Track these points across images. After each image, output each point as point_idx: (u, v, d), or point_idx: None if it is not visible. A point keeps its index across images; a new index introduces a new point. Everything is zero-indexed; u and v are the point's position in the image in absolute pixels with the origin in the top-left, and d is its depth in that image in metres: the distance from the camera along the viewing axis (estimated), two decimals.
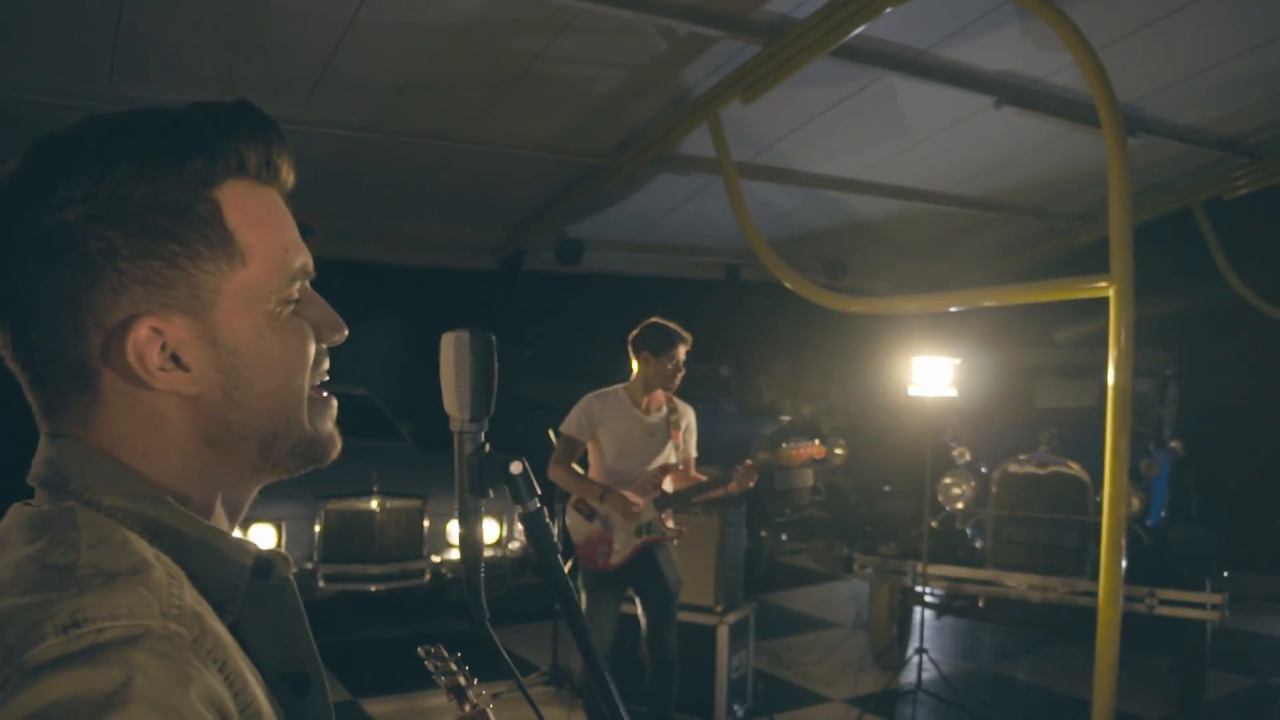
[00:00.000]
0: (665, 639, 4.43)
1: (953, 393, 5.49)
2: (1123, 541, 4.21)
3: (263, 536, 5.91)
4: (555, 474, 4.44)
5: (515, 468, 1.04)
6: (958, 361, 5.49)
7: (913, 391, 5.49)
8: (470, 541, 1.06)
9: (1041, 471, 5.82)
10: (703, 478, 4.57)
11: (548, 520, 1.08)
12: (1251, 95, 7.04)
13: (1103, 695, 4.21)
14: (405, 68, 5.87)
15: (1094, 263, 9.04)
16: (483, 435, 1.05)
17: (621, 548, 4.39)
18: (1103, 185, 8.88)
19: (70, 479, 0.78)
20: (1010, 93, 6.59)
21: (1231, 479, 9.01)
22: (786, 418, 9.45)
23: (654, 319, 4.52)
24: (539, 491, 1.08)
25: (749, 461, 4.40)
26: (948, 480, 6.03)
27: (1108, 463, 4.25)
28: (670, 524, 4.48)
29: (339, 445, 0.92)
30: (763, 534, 8.23)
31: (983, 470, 6.17)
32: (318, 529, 5.99)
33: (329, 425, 0.91)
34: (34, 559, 0.71)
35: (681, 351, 4.42)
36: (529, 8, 5.27)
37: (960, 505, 5.99)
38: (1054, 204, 9.41)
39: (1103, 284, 4.27)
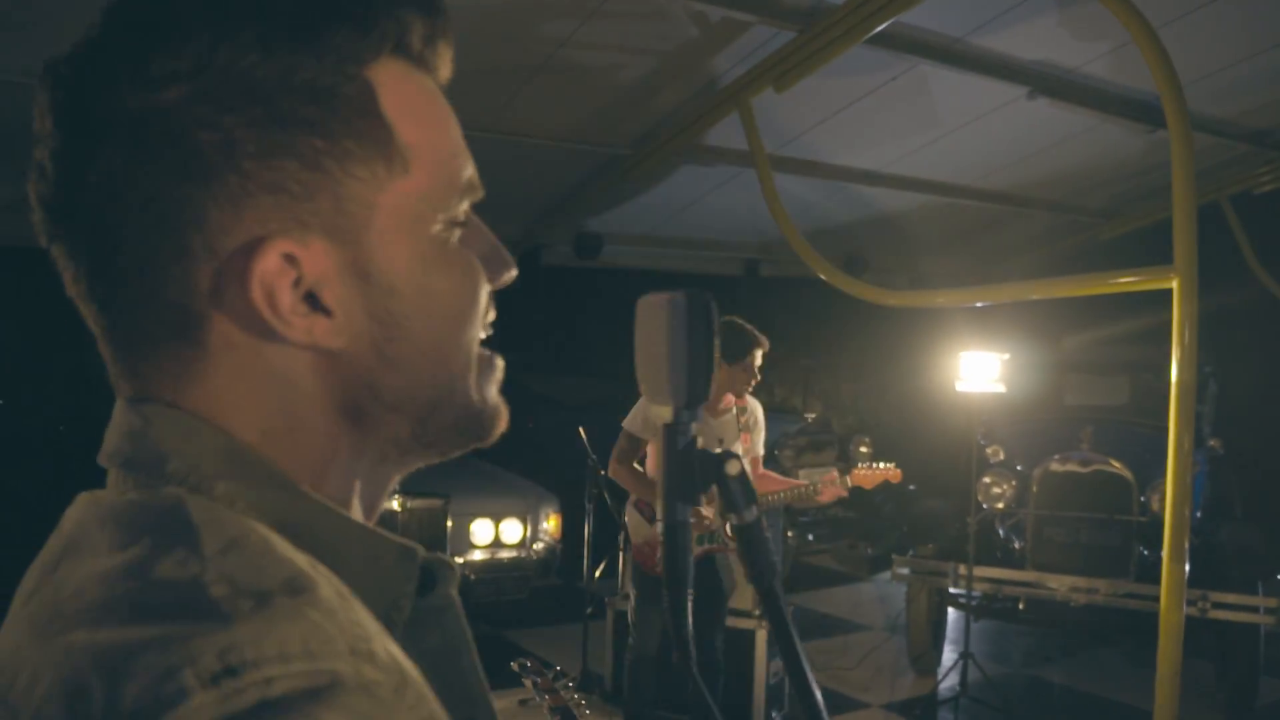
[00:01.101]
0: (712, 642, 4.28)
1: (1000, 388, 5.34)
2: (1186, 544, 4.06)
3: None
4: (617, 472, 4.26)
5: (732, 468, 0.85)
6: (1006, 356, 5.34)
7: (960, 387, 5.33)
8: (679, 562, 0.86)
9: (1084, 470, 5.68)
10: (773, 476, 4.41)
11: (766, 533, 0.90)
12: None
13: (1166, 702, 4.06)
14: None
15: (1115, 259, 8.98)
16: (694, 427, 0.86)
17: None
18: (1125, 180, 8.87)
19: (167, 458, 0.57)
20: (1044, 83, 6.44)
21: (1267, 478, 8.88)
22: (810, 415, 9.29)
23: (728, 318, 4.33)
24: (756, 498, 0.89)
25: (834, 474, 4.24)
26: (988, 479, 5.88)
27: (1170, 462, 4.09)
28: (731, 533, 4.33)
29: (506, 419, 0.70)
30: (789, 534, 8.06)
31: (1017, 468, 6.03)
32: None
33: (496, 392, 0.69)
34: (133, 571, 0.50)
35: (758, 356, 4.22)
36: None
37: (1001, 505, 5.85)
38: (1075, 199, 9.27)
39: (1166, 276, 4.10)
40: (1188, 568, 4.09)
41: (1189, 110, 7.38)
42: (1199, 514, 6.02)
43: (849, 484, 4.34)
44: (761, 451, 4.46)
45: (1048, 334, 7.33)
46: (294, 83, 0.56)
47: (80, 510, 0.59)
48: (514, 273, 0.70)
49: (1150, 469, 5.70)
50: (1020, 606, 5.65)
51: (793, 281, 10.34)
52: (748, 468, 4.35)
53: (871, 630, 6.88)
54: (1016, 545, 5.81)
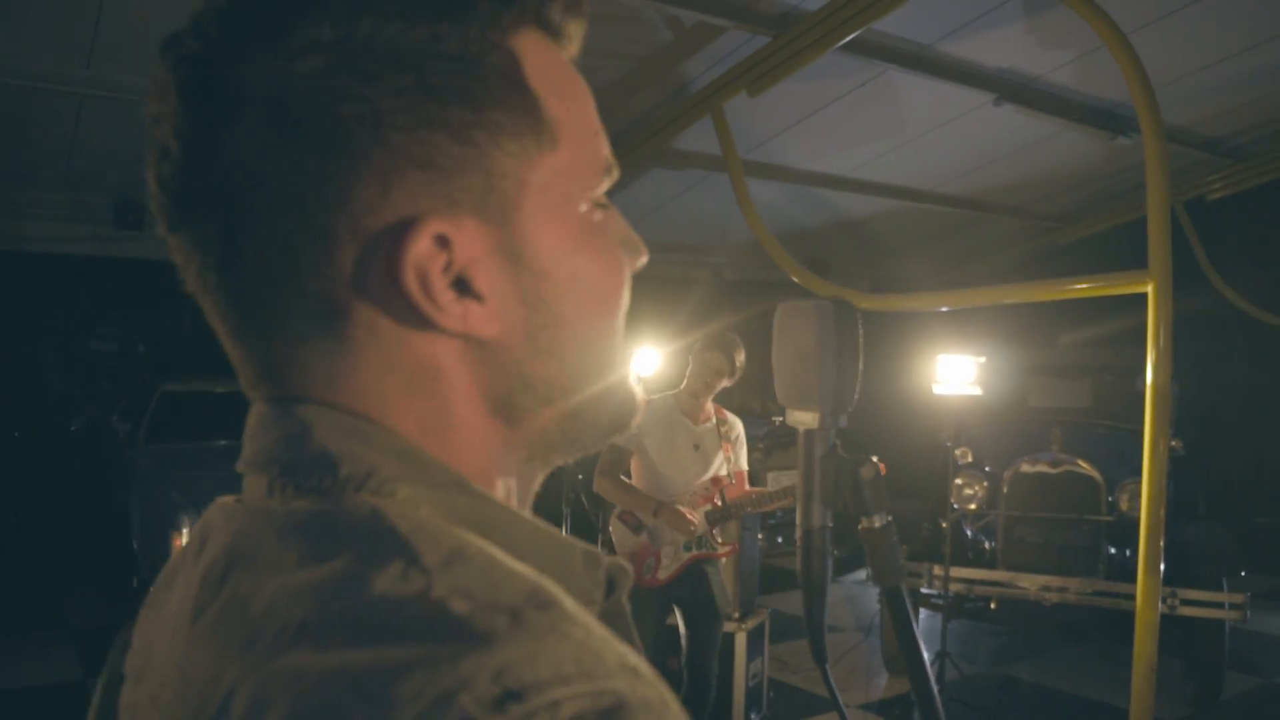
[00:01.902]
0: (707, 658, 4.27)
1: (977, 391, 5.41)
2: (1161, 543, 4.14)
3: None
4: (602, 486, 4.22)
5: (868, 472, 0.85)
6: (982, 359, 5.41)
7: (937, 390, 5.39)
8: (817, 567, 0.87)
9: (1054, 471, 5.77)
10: (760, 491, 4.42)
11: (896, 539, 0.90)
12: (1236, 98, 7.09)
13: (1141, 697, 4.13)
14: None
15: (1074, 263, 9.12)
16: (834, 434, 0.86)
17: (670, 562, 4.21)
18: (1086, 186, 9.02)
19: (338, 462, 0.52)
20: (1010, 90, 6.54)
21: (1227, 477, 9.08)
22: (779, 419, 9.33)
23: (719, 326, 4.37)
24: (887, 504, 0.90)
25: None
26: (959, 481, 5.95)
27: (1146, 463, 4.18)
28: (720, 539, 4.33)
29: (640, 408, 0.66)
30: (759, 537, 8.09)
31: (986, 470, 6.11)
32: None
33: (633, 381, 0.65)
34: (345, 587, 0.45)
35: (718, 358, 4.21)
36: None
37: (973, 506, 5.92)
38: (1037, 204, 9.42)
39: (1141, 281, 4.18)
40: (1163, 567, 4.18)
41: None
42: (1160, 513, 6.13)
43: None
44: (745, 466, 4.47)
45: (1014, 337, 7.43)
46: (439, 51, 0.52)
47: (235, 519, 0.54)
48: (646, 258, 0.65)
49: (1117, 469, 5.81)
50: (992, 606, 5.72)
51: (755, 285, 10.40)
52: (735, 478, 4.37)
53: (844, 632, 6.92)
54: (988, 546, 5.89)
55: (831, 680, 0.89)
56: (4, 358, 10.88)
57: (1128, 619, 4.75)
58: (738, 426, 4.46)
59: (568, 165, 0.57)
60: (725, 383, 4.27)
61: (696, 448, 4.29)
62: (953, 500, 5.87)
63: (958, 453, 6.16)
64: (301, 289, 0.53)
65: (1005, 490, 5.85)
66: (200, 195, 0.53)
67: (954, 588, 5.59)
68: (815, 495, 0.85)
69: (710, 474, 4.30)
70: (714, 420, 4.36)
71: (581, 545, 0.57)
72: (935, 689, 0.94)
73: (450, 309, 0.53)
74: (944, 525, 5.50)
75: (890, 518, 0.89)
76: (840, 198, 8.58)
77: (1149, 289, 4.15)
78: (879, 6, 4.95)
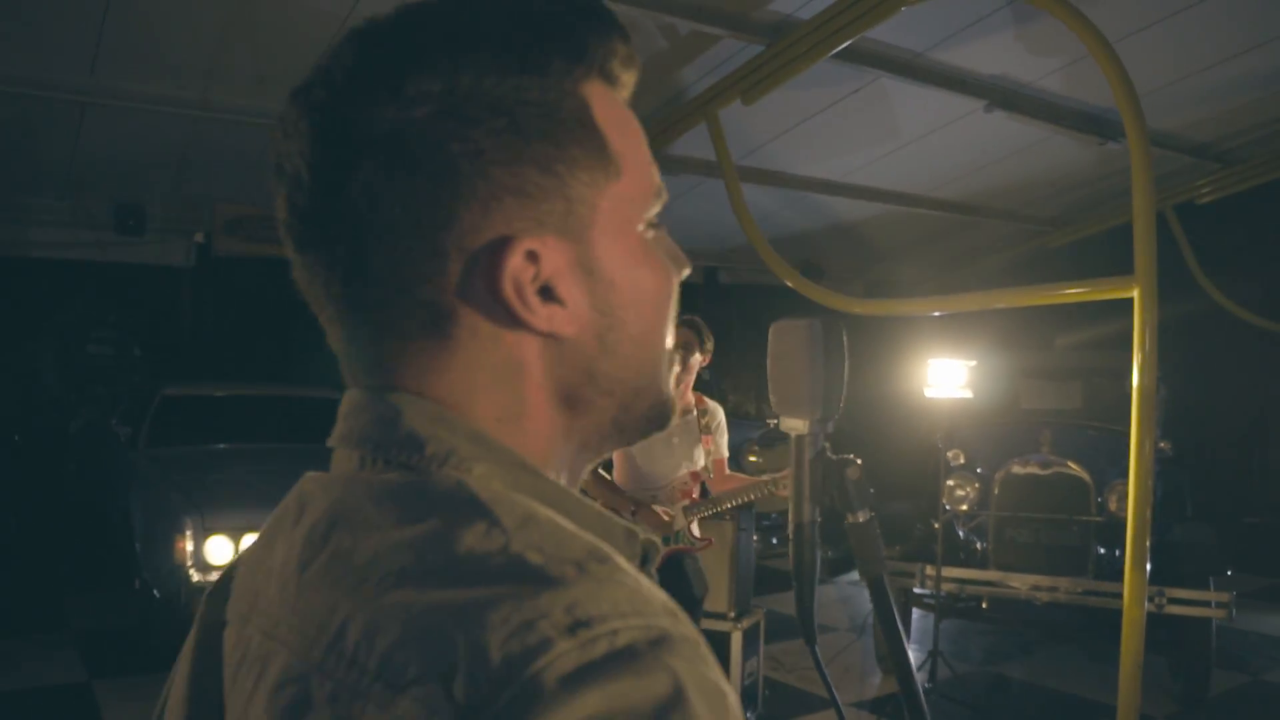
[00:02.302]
0: None
1: (968, 394, 5.50)
2: (1147, 543, 4.24)
3: None
4: (585, 481, 4.31)
5: (853, 473, 0.95)
6: (973, 363, 5.50)
7: (928, 393, 5.48)
8: (807, 557, 0.96)
9: (1044, 473, 5.86)
10: (739, 476, 4.50)
11: (878, 532, 0.99)
12: (1223, 103, 7.20)
13: (1128, 693, 4.22)
14: None
15: (1065, 266, 9.22)
16: (823, 438, 0.95)
17: None
18: (1076, 190, 9.11)
19: (424, 442, 0.63)
20: (1000, 96, 6.64)
21: (1214, 477, 9.18)
22: (773, 421, 9.41)
23: (688, 316, 4.40)
24: (871, 501, 0.99)
25: (788, 472, 4.34)
26: (952, 483, 6.04)
27: (1132, 464, 4.27)
28: (698, 533, 4.40)
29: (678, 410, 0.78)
30: (754, 538, 8.18)
31: (978, 471, 6.20)
32: None
33: (672, 384, 0.76)
34: (438, 541, 0.56)
35: (686, 333, 4.28)
36: None
37: (964, 507, 6.01)
38: (1027, 208, 9.53)
39: (1127, 286, 4.27)
40: (1152, 566, 4.27)
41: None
42: (1151, 514, 6.23)
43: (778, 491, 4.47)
44: (726, 454, 4.57)
45: (1006, 340, 7.53)
46: (525, 99, 0.63)
47: (333, 488, 0.64)
48: (689, 269, 0.75)
49: (1105, 471, 5.90)
50: (983, 605, 5.81)
51: (750, 288, 10.49)
52: (713, 468, 4.46)
53: (838, 631, 7.01)
54: (979, 546, 5.97)
55: (820, 660, 0.98)
56: (4, 362, 10.93)
57: (1117, 618, 4.83)
58: (719, 415, 4.54)
59: (629, 192, 0.68)
60: (698, 358, 4.34)
61: (677, 439, 4.37)
62: (944, 501, 5.96)
63: (949, 454, 6.25)
64: (415, 297, 0.64)
65: (996, 491, 5.94)
66: (330, 219, 0.64)
67: (946, 587, 5.67)
68: (805, 493, 0.94)
69: (689, 468, 4.39)
70: (694, 411, 4.43)
71: (622, 522, 0.67)
72: (915, 671, 1.02)
73: (539, 312, 0.64)
74: (936, 526, 5.59)
75: (873, 513, 0.98)
76: (834, 202, 8.67)
77: (1134, 294, 4.24)
78: (871, 16, 5.04)
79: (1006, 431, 6.47)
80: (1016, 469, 5.93)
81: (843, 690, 5.83)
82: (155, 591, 5.84)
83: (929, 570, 5.60)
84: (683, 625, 0.54)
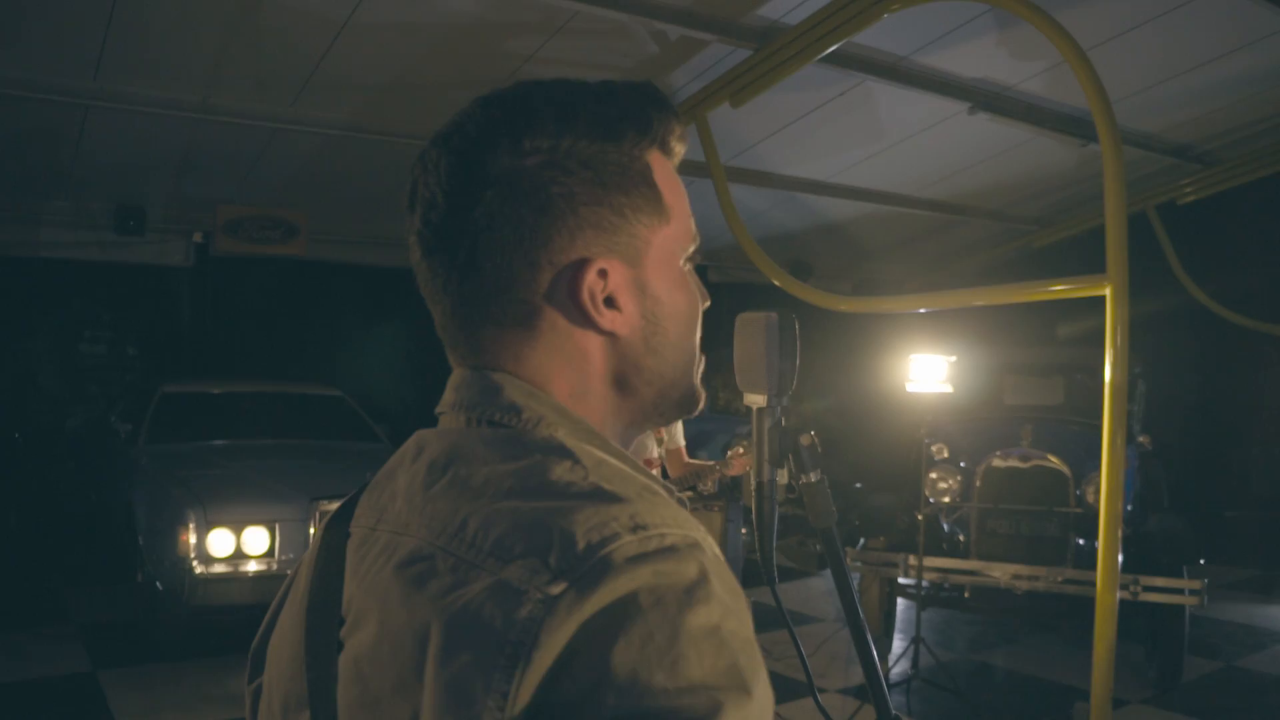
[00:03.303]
0: None
1: (948, 389, 5.66)
2: (1119, 532, 4.39)
3: (256, 540, 5.86)
4: None
5: (805, 440, 1.13)
6: (953, 359, 5.66)
7: (910, 388, 5.64)
8: (766, 509, 1.14)
9: (1024, 466, 6.02)
10: (691, 461, 4.71)
11: (828, 489, 1.16)
12: (1203, 106, 7.34)
13: (1101, 677, 4.38)
14: (395, 67, 5.88)
15: (1048, 265, 9.38)
16: (779, 411, 1.13)
17: None
18: (1058, 190, 9.27)
19: (520, 409, 0.84)
20: (983, 99, 6.79)
21: (1191, 470, 9.36)
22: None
23: None
24: (820, 463, 1.16)
25: (741, 448, 4.52)
26: (934, 475, 6.20)
27: (1104, 457, 4.42)
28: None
29: (705, 400, 0.99)
30: (743, 532, 8.33)
31: (961, 465, 6.36)
32: (313, 530, 5.94)
33: (699, 380, 0.98)
34: (536, 472, 0.77)
35: None
36: (527, 9, 5.31)
37: (947, 499, 6.18)
38: (1011, 208, 9.69)
39: (1099, 284, 4.42)
40: (1121, 555, 4.43)
41: (1119, 125, 7.84)
42: (1130, 505, 6.40)
43: (724, 472, 4.71)
44: (682, 443, 4.83)
45: (988, 337, 7.69)
46: (606, 159, 0.86)
47: (448, 436, 0.86)
48: (709, 303, 0.99)
49: (1085, 464, 6.07)
50: (966, 595, 5.98)
51: (739, 287, 10.63)
52: (670, 457, 4.67)
53: (824, 622, 7.17)
54: (961, 537, 6.14)
55: (780, 599, 1.14)
56: (2, 361, 11.04)
57: (1094, 606, 5.00)
58: None
59: (675, 234, 0.91)
60: None
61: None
62: (928, 494, 6.12)
63: (933, 448, 6.41)
64: (513, 295, 0.86)
65: (978, 484, 6.11)
66: (456, 233, 0.86)
67: (929, 577, 5.84)
68: (765, 456, 1.12)
69: (643, 456, 4.60)
70: None
71: (663, 482, 0.87)
72: (862, 615, 1.20)
73: (605, 315, 0.86)
74: (919, 518, 5.75)
75: (823, 475, 1.16)
76: (821, 203, 8.82)
77: (1107, 292, 4.39)
78: (857, 21, 5.18)
79: (988, 426, 6.64)
80: (998, 462, 6.10)
81: (828, 677, 5.99)
82: (158, 583, 5.98)
83: (912, 561, 5.76)
84: (710, 543, 0.74)
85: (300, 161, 7.23)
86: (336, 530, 0.91)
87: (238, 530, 5.82)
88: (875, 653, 1.20)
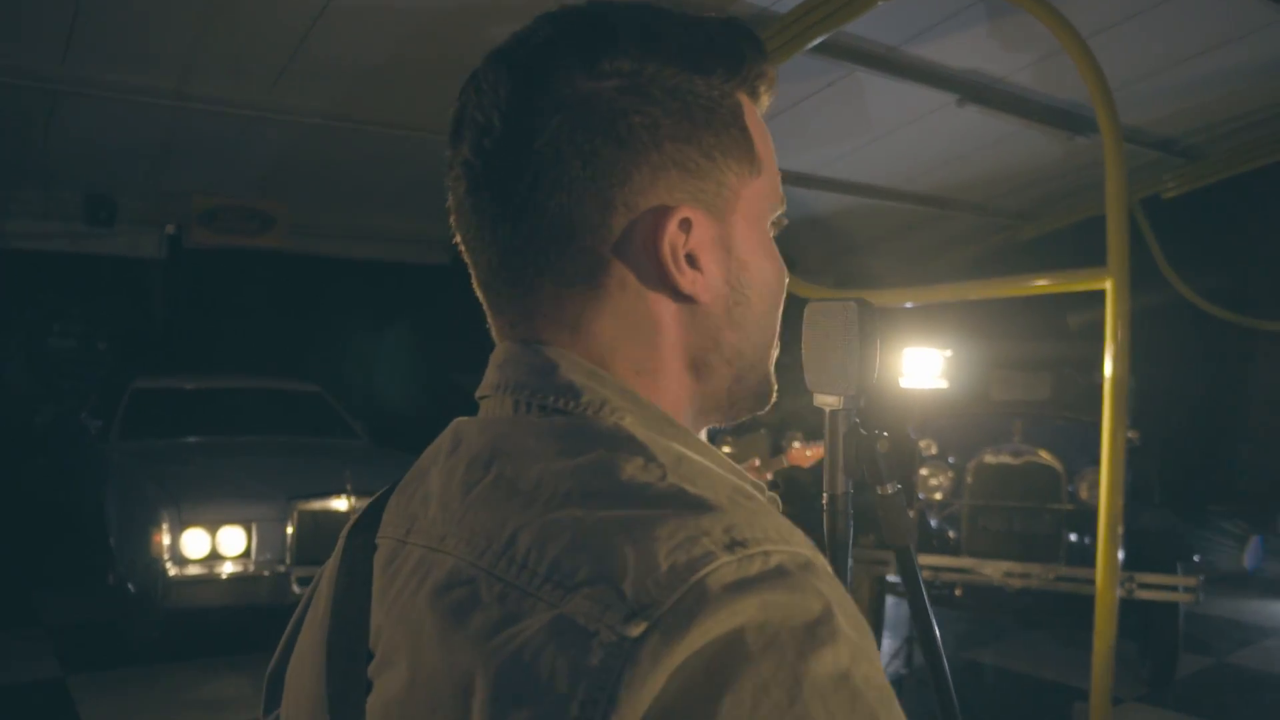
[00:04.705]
0: None
1: (943, 384, 5.57)
2: (1120, 529, 4.32)
3: (232, 540, 5.70)
4: None
5: (882, 446, 1.00)
6: (948, 353, 5.57)
7: (903, 383, 5.55)
8: (840, 526, 1.01)
9: (1015, 462, 5.95)
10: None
11: (904, 504, 1.04)
12: (1188, 99, 7.30)
13: (1101, 676, 4.30)
14: (376, 54, 5.73)
15: (1033, 259, 9.33)
16: (855, 414, 1.01)
17: None
18: (1045, 184, 9.22)
19: (580, 392, 0.71)
20: (973, 90, 6.72)
21: (1180, 466, 9.35)
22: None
23: None
24: (897, 475, 1.04)
25: (756, 462, 4.38)
26: (925, 472, 6.12)
27: (1105, 453, 4.35)
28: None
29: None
30: None
31: (950, 461, 6.28)
32: (290, 530, 5.78)
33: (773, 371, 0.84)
34: (602, 472, 0.63)
35: None
36: None
37: (938, 496, 6.09)
38: (997, 201, 9.63)
39: (1100, 277, 4.34)
40: (1122, 553, 4.36)
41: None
42: (1123, 501, 6.34)
43: (785, 463, 4.53)
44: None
45: (976, 332, 7.61)
46: (696, 91, 0.73)
47: (491, 427, 0.73)
48: (788, 279, 0.84)
49: (1075, 459, 6.00)
50: (957, 593, 5.90)
51: None
52: None
53: None
54: (952, 534, 6.06)
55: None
56: None
57: (1087, 603, 4.93)
58: None
59: (765, 189, 0.78)
60: None
61: None
62: (919, 490, 6.04)
63: (923, 444, 6.33)
64: (581, 243, 0.72)
65: (969, 480, 6.03)
66: (513, 164, 0.72)
67: (922, 575, 5.75)
68: (840, 465, 0.98)
69: None
70: None
71: (750, 478, 0.74)
72: (940, 643, 1.07)
73: (687, 273, 0.73)
74: (910, 514, 5.66)
75: (900, 486, 1.03)
76: (807, 195, 8.72)
77: (1107, 285, 4.30)
78: (848, 10, 5.08)
79: (978, 422, 6.56)
80: (989, 458, 6.03)
81: None
82: (130, 585, 5.82)
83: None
84: (821, 557, 0.61)
85: (278, 151, 7.06)
86: (361, 539, 0.77)
87: (213, 530, 5.66)
88: (954, 694, 1.07)
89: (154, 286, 10.30)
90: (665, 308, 0.73)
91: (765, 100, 0.80)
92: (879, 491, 1.03)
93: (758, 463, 4.42)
